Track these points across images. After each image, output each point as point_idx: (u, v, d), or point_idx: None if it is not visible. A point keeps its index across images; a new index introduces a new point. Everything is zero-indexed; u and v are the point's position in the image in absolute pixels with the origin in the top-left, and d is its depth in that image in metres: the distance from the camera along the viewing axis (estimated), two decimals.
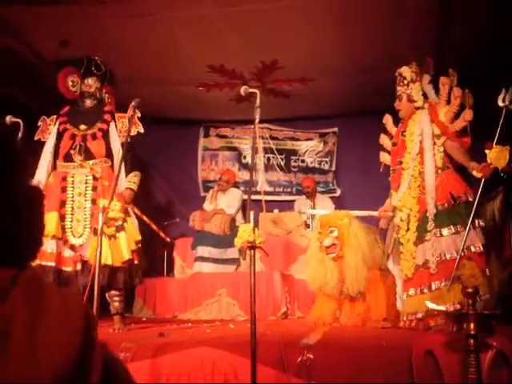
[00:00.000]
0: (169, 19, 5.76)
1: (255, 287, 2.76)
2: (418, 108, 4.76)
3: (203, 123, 9.53)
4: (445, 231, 4.37)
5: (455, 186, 4.53)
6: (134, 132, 4.81)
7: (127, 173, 4.87)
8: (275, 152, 9.34)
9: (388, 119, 5.17)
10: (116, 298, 4.68)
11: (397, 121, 5.10)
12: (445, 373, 2.98)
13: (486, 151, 4.15)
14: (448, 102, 4.60)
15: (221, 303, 6.21)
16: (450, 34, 5.86)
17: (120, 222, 4.58)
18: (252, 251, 2.77)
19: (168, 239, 7.32)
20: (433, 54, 4.94)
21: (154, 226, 6.69)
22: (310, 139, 9.41)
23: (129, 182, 4.87)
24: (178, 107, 8.44)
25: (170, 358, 3.27)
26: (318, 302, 5.00)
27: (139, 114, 4.79)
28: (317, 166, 9.33)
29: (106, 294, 4.66)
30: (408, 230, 4.56)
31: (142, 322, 5.72)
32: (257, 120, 3.23)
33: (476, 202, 4.26)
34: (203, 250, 7.04)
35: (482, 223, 4.44)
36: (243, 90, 3.45)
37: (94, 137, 4.82)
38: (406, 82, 4.79)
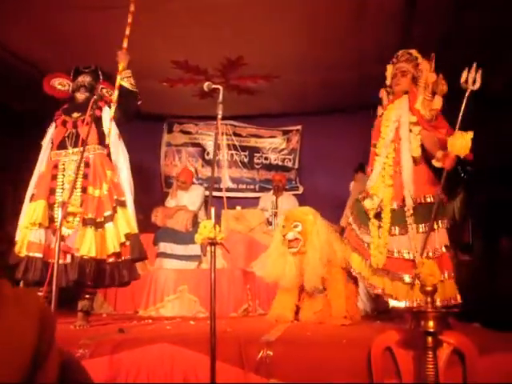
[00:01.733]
0: (134, 13, 5.69)
1: (215, 284, 2.74)
2: (407, 93, 4.65)
3: (167, 119, 9.49)
4: (421, 228, 4.33)
5: (426, 183, 4.45)
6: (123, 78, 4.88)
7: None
8: (238, 149, 9.36)
9: (384, 93, 4.98)
10: (87, 296, 4.56)
11: None
12: (402, 369, 3.01)
13: (446, 138, 4.02)
14: (426, 88, 4.49)
15: (182, 300, 6.16)
16: (413, 31, 5.90)
17: (107, 213, 4.47)
18: (212, 248, 2.75)
19: None
20: (397, 52, 4.91)
21: None
22: (274, 136, 9.46)
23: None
24: (142, 102, 8.36)
25: (129, 354, 3.23)
26: (277, 298, 4.99)
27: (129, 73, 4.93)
28: (280, 163, 9.37)
29: (81, 289, 4.54)
30: (377, 218, 4.56)
31: (103, 318, 5.65)
32: (219, 116, 3.22)
33: (437, 202, 4.21)
34: (165, 246, 7.00)
35: (447, 224, 4.40)
36: (206, 85, 3.43)
37: (83, 122, 4.68)
38: (416, 62, 4.63)
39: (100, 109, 4.83)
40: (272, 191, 8.47)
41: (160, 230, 7.25)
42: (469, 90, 4.04)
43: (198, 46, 6.58)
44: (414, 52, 4.71)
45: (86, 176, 4.57)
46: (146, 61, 6.82)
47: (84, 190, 4.51)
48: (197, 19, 5.89)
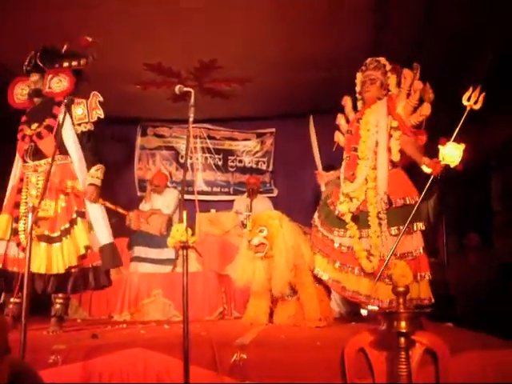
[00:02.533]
0: (106, 14, 5.66)
1: (187, 288, 2.73)
2: (380, 98, 4.75)
3: (140, 122, 9.42)
4: (394, 231, 4.40)
5: (405, 186, 4.54)
6: (94, 118, 4.61)
7: (88, 165, 4.62)
8: (213, 152, 9.34)
9: (347, 101, 5.10)
10: (59, 301, 4.52)
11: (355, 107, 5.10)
12: (375, 370, 3.03)
13: (439, 147, 4.12)
14: (409, 95, 4.59)
15: (157, 304, 6.14)
16: (387, 33, 5.94)
17: (63, 227, 4.39)
18: (185, 251, 2.74)
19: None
20: (371, 55, 4.96)
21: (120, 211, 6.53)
22: (248, 139, 9.44)
23: (91, 177, 4.57)
24: (114, 105, 8.24)
25: (102, 359, 3.21)
26: (251, 302, 4.99)
27: (101, 98, 4.59)
28: (254, 166, 9.36)
29: (52, 295, 4.52)
30: (355, 221, 4.59)
31: (77, 323, 5.60)
32: (191, 119, 3.21)
33: (417, 204, 4.30)
34: (139, 250, 6.95)
35: (421, 226, 4.46)
36: (178, 88, 3.42)
37: (39, 136, 4.58)
38: (384, 70, 4.78)
39: (53, 116, 4.65)
40: (246, 194, 8.46)
41: (134, 233, 7.21)
42: (469, 108, 4.11)
43: (171, 49, 6.55)
44: (382, 60, 4.84)
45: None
46: (119, 63, 6.80)
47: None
48: (170, 22, 5.86)
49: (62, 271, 4.30)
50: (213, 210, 7.99)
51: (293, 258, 4.62)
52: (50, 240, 4.37)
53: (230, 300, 6.21)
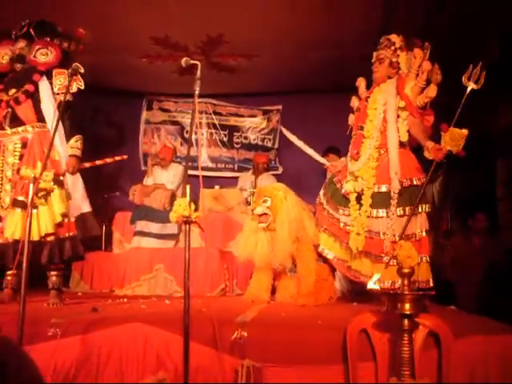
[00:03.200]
0: None
1: (190, 263, 2.69)
2: (391, 77, 4.68)
3: (146, 96, 9.39)
4: (399, 211, 4.36)
5: (412, 167, 4.48)
6: (74, 89, 4.50)
7: (67, 136, 4.55)
8: (218, 127, 9.30)
9: (361, 82, 5.01)
10: (53, 273, 4.50)
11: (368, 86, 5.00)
12: (377, 351, 3.00)
13: (442, 133, 4.07)
14: (418, 75, 4.50)
15: (158, 279, 6.13)
16: (395, 15, 5.86)
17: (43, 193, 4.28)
18: (187, 226, 2.70)
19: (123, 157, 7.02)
20: (379, 34, 4.88)
21: (108, 160, 6.50)
22: (254, 116, 9.40)
23: (71, 148, 4.52)
24: (120, 78, 8.29)
25: (102, 334, 3.18)
26: (254, 278, 4.96)
27: (82, 70, 4.39)
28: (260, 143, 9.32)
29: (45, 268, 4.50)
30: (359, 201, 4.54)
31: (78, 296, 5.58)
32: (196, 92, 3.14)
33: (424, 186, 4.27)
34: (142, 225, 6.94)
35: (427, 208, 4.41)
36: (184, 61, 3.35)
37: (16, 101, 4.50)
38: (393, 48, 4.67)
39: (33, 82, 4.57)
40: (251, 171, 8.42)
41: (137, 208, 7.18)
42: (469, 88, 4.04)
43: (178, 23, 6.49)
44: (392, 37, 4.73)
45: (21, 157, 4.45)
46: (125, 36, 6.76)
47: (18, 171, 4.32)
48: None
49: (36, 238, 4.16)
50: (217, 187, 7.95)
51: (295, 230, 4.57)
52: (25, 206, 4.17)
53: (232, 277, 6.19)
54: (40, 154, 4.39)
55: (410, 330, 2.76)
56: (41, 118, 4.53)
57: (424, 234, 4.35)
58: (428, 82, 4.44)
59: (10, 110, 4.53)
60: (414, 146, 4.61)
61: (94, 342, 3.15)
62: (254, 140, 9.35)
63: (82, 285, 6.59)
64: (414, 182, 4.39)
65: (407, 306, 2.69)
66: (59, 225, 4.37)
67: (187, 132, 9.32)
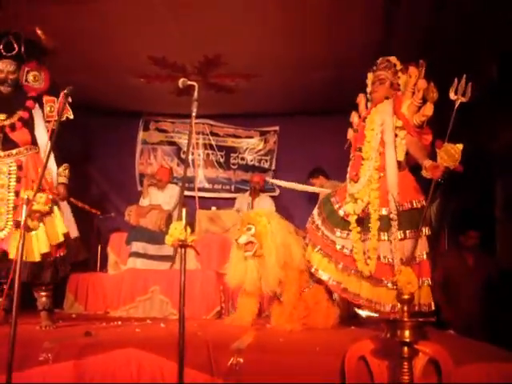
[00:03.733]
0: (111, 7, 5.60)
1: (185, 287, 2.64)
2: (388, 98, 4.65)
3: (143, 116, 9.38)
4: (400, 235, 4.31)
5: (412, 189, 4.43)
6: (63, 118, 4.45)
7: (57, 163, 4.62)
8: (215, 148, 9.28)
9: (362, 99, 4.98)
10: (43, 293, 4.45)
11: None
12: (376, 379, 2.94)
13: (437, 150, 4.00)
14: (413, 94, 4.47)
15: (153, 300, 6.08)
16: (396, 33, 5.86)
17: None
18: (183, 250, 2.65)
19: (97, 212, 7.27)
20: (380, 54, 4.86)
21: (84, 205, 6.56)
22: (251, 137, 9.38)
23: (60, 176, 4.63)
24: (117, 98, 8.28)
25: (95, 359, 3.11)
26: (239, 303, 4.92)
27: (70, 100, 4.37)
28: (257, 164, 9.30)
29: (33, 289, 4.45)
30: (359, 224, 4.51)
31: (72, 318, 5.52)
32: (194, 113, 3.12)
33: (427, 208, 4.22)
34: (138, 246, 6.90)
35: (428, 231, 4.38)
36: (181, 82, 3.34)
37: (13, 127, 4.45)
38: (394, 69, 4.67)
39: (27, 109, 4.55)
40: (248, 192, 8.40)
41: (133, 229, 7.13)
42: (458, 102, 4.00)
43: (176, 43, 6.49)
44: (392, 59, 4.73)
45: (18, 180, 4.41)
46: (123, 56, 6.76)
47: (16, 194, 4.35)
48: (175, 15, 5.81)
49: (37, 259, 4.20)
50: (213, 208, 7.93)
51: (283, 256, 4.51)
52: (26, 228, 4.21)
53: (228, 299, 6.14)
54: (35, 176, 4.38)
55: (410, 357, 2.70)
56: (34, 141, 4.55)
57: (425, 256, 4.31)
58: (424, 101, 4.42)
59: (1, 134, 4.45)
60: (412, 165, 4.58)
61: (86, 367, 3.09)
62: (251, 161, 9.32)
63: (77, 306, 6.55)
64: (414, 205, 4.35)
65: (407, 333, 2.63)
66: (59, 244, 4.38)
67: (184, 153, 9.30)
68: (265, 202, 8.12)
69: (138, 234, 6.99)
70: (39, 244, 4.22)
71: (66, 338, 3.55)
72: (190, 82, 3.30)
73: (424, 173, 4.17)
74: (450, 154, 3.94)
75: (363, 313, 2.87)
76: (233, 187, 9.27)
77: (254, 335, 3.77)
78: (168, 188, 7.68)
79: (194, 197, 3.47)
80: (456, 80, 4.03)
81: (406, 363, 2.68)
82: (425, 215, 4.22)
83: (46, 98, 4.61)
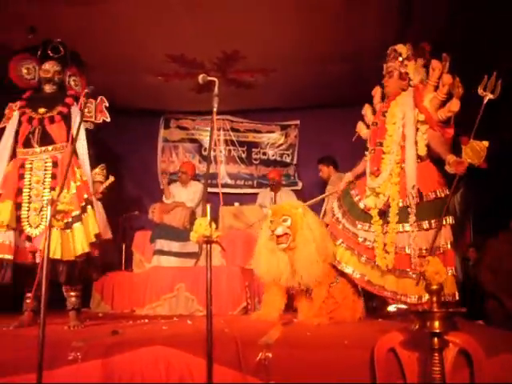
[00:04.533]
0: (129, 8, 5.62)
1: (211, 283, 2.63)
2: (404, 90, 4.61)
3: (164, 114, 9.42)
4: (425, 225, 4.28)
5: (434, 180, 4.40)
6: (99, 119, 4.65)
7: (91, 163, 4.64)
8: (236, 144, 9.28)
9: (377, 91, 4.95)
10: (73, 293, 4.47)
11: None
12: (407, 371, 2.91)
13: (462, 146, 3.97)
14: (436, 88, 4.42)
15: (179, 298, 6.08)
16: (410, 26, 5.81)
17: (74, 213, 4.28)
18: (208, 246, 2.64)
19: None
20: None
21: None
22: (272, 132, 9.37)
23: (97, 174, 4.69)
24: (137, 97, 8.31)
25: (123, 357, 3.11)
26: (265, 298, 4.86)
27: (107, 104, 4.63)
28: (278, 158, 9.28)
29: (63, 288, 4.46)
30: (381, 217, 4.48)
31: (99, 317, 5.54)
32: (215, 108, 3.11)
33: (449, 198, 4.19)
34: (162, 244, 6.91)
35: (451, 221, 4.33)
36: (201, 78, 3.32)
37: (51, 120, 4.52)
38: (401, 58, 4.60)
39: (67, 105, 4.64)
40: (269, 187, 8.38)
41: (157, 226, 7.15)
42: (486, 99, 3.95)
43: (193, 40, 6.51)
44: (398, 47, 4.67)
45: (54, 176, 4.45)
46: (141, 55, 6.80)
47: (52, 189, 4.33)
48: (192, 12, 5.81)
49: (72, 258, 4.22)
50: (236, 204, 7.90)
51: (322, 249, 4.45)
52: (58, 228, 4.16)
53: (254, 295, 6.14)
54: (71, 174, 4.39)
55: (441, 348, 2.67)
56: (67, 138, 4.57)
57: (449, 246, 4.26)
58: (448, 95, 4.37)
59: (39, 127, 4.53)
60: (435, 158, 4.53)
61: (115, 365, 3.08)
62: (273, 156, 9.31)
63: (103, 305, 6.57)
64: (438, 195, 4.30)
65: (437, 323, 2.60)
66: (92, 244, 4.37)
67: (205, 149, 9.32)
68: (287, 196, 8.09)
69: (162, 231, 7.01)
70: (75, 243, 4.25)
71: (94, 337, 3.56)
72: (210, 78, 3.29)
73: (448, 168, 4.14)
74: (476, 150, 3.91)
75: (392, 307, 2.82)
76: (255, 182, 9.26)
77: (282, 330, 3.75)
78: (191, 185, 7.69)
79: (216, 193, 3.47)
80: (486, 77, 3.98)
81: (436, 354, 2.64)
82: (448, 204, 4.17)
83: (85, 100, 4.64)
